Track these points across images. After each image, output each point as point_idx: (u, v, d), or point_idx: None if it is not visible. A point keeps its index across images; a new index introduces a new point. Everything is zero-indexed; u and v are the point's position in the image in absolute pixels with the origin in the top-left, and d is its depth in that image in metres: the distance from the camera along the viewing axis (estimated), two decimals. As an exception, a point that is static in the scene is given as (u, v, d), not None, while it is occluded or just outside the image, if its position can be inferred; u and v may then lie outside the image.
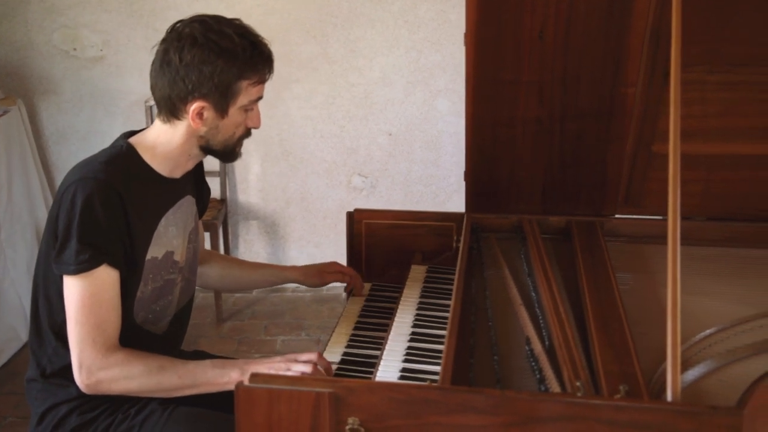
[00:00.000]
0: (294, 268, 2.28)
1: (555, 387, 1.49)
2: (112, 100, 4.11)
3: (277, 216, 4.32)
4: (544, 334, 1.68)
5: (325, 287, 2.41)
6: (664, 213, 2.15)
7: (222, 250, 4.20)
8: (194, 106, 1.75)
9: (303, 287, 4.31)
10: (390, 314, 2.01)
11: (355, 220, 2.30)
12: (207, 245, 3.91)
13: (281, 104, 4.11)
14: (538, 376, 1.56)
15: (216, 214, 3.95)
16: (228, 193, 4.24)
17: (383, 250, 2.31)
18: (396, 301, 2.07)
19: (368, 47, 4.04)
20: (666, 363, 1.36)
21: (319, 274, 2.24)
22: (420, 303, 2.02)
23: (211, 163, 4.10)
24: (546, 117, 2.06)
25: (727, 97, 1.98)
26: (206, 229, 3.87)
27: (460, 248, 2.01)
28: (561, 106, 2.03)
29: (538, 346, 1.62)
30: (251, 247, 4.35)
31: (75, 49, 4.07)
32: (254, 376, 1.41)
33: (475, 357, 1.65)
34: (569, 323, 1.66)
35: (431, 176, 4.23)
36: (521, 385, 1.57)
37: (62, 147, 4.19)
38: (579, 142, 2.10)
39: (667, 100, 1.90)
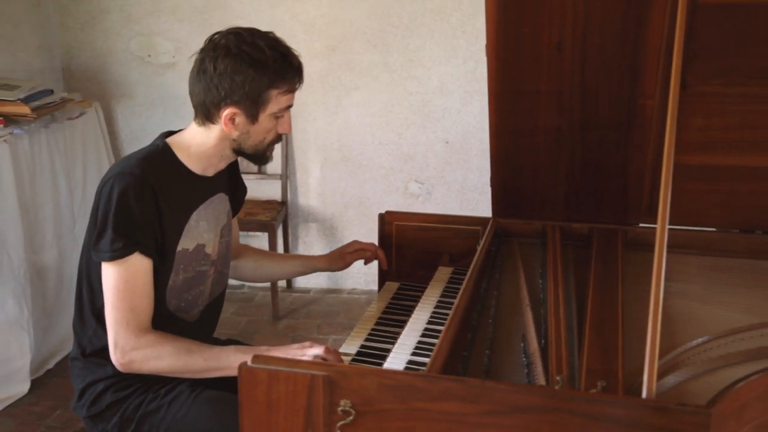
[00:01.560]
0: (320, 257, 2.41)
1: (540, 382, 1.56)
2: (182, 104, 4.31)
3: (335, 219, 4.45)
4: (542, 333, 1.75)
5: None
6: (687, 223, 2.21)
7: (281, 251, 4.36)
8: (227, 112, 1.89)
9: (359, 289, 4.47)
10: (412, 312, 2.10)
11: (386, 221, 2.41)
12: (265, 245, 4.09)
13: (341, 111, 4.25)
14: (526, 371, 1.63)
15: (275, 215, 4.11)
16: (289, 196, 4.39)
17: (412, 251, 2.41)
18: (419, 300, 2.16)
19: (427, 57, 4.14)
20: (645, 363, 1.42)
21: (341, 257, 2.36)
22: (439, 302, 2.11)
23: (274, 166, 4.31)
24: (566, 126, 2.12)
25: (745, 109, 2.00)
26: (264, 230, 4.04)
27: (478, 249, 2.09)
28: (580, 115, 2.09)
29: (533, 345, 1.70)
30: (310, 249, 4.49)
31: (149, 56, 4.31)
32: (256, 358, 1.53)
33: (470, 351, 1.73)
34: (565, 324, 1.72)
35: (486, 184, 4.22)
36: (510, 379, 1.65)
37: (135, 147, 4.33)
38: (599, 152, 2.15)
39: (686, 112, 1.96)
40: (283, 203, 4.32)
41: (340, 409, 1.47)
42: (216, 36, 1.91)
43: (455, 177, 4.30)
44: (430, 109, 4.21)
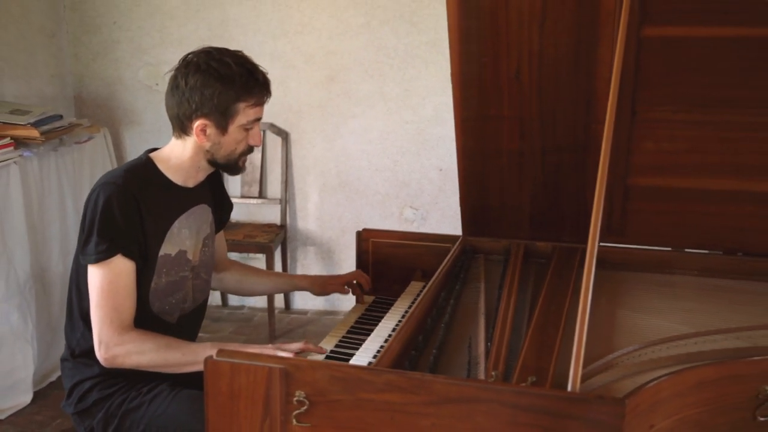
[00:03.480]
0: (304, 276, 2.56)
1: (479, 377, 1.70)
2: (187, 131, 4.50)
3: (332, 243, 4.60)
4: (489, 337, 1.88)
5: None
6: (645, 242, 2.35)
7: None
8: (198, 123, 2.05)
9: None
10: (384, 323, 2.24)
11: (363, 238, 2.56)
12: (263, 265, 4.24)
13: (339, 138, 4.42)
14: (468, 369, 1.77)
15: (273, 237, 4.27)
16: (288, 220, 4.55)
17: (387, 266, 2.55)
18: (390, 311, 2.30)
19: (422, 87, 4.30)
20: (572, 360, 1.55)
21: (323, 284, 2.50)
22: (406, 312, 2.24)
23: (273, 191, 4.48)
24: (528, 149, 2.27)
25: (692, 135, 2.15)
26: (262, 251, 4.20)
27: (443, 264, 2.24)
28: (540, 139, 2.24)
29: (480, 347, 1.83)
30: (308, 271, 4.63)
31: (157, 84, 4.51)
32: (220, 351, 1.67)
33: (420, 351, 1.87)
34: (510, 328, 1.86)
35: (478, 211, 4.43)
36: (452, 375, 1.77)
37: (142, 172, 4.60)
38: (559, 174, 2.29)
39: (636, 137, 2.11)
40: (282, 227, 4.48)
41: (295, 399, 1.61)
42: (189, 55, 2.08)
43: (449, 203, 4.43)
44: (425, 138, 4.36)
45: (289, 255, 4.59)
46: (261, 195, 4.51)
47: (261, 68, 2.09)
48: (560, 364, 1.70)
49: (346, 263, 4.60)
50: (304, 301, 4.70)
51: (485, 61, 2.13)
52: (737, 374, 1.66)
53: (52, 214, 3.77)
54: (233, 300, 4.76)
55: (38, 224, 3.67)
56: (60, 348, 3.83)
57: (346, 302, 4.65)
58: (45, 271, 3.73)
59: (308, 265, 4.65)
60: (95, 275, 2.00)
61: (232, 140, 2.09)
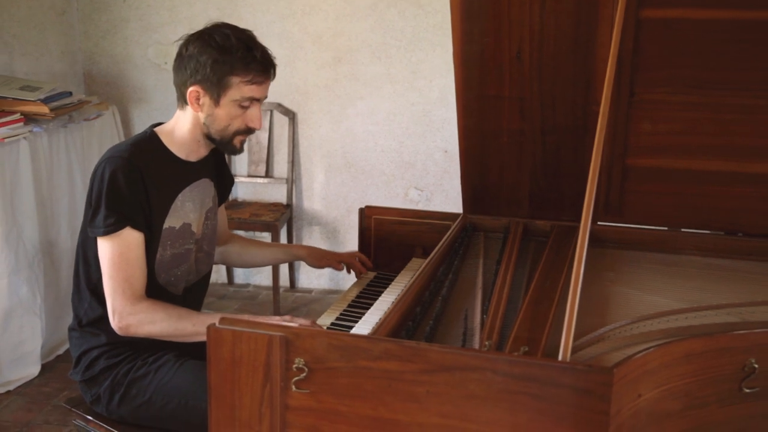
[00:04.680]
0: (301, 246, 2.62)
1: (473, 347, 1.75)
2: (195, 110, 4.55)
3: (338, 222, 4.65)
4: (485, 309, 1.93)
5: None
6: (643, 222, 2.39)
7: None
8: (191, 90, 2.09)
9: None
10: (384, 298, 2.29)
11: (366, 215, 2.60)
12: (268, 244, 4.29)
13: (346, 119, 4.46)
14: (463, 339, 1.82)
15: (279, 216, 4.32)
16: (294, 199, 4.60)
17: (390, 243, 2.60)
18: (391, 287, 2.35)
19: (428, 69, 4.34)
20: (564, 332, 1.60)
21: (320, 258, 2.55)
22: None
23: (280, 171, 4.52)
24: (528, 129, 2.31)
25: (688, 116, 2.18)
26: (268, 230, 4.25)
27: (442, 240, 2.28)
28: (540, 119, 2.28)
29: (476, 319, 1.88)
30: (313, 250, 4.68)
31: (166, 63, 4.55)
32: (223, 319, 1.72)
33: (417, 322, 1.92)
34: (506, 301, 1.91)
35: (482, 193, 4.47)
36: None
37: (150, 150, 4.66)
38: (558, 154, 2.33)
39: (634, 118, 2.15)
40: (288, 206, 4.53)
41: (294, 366, 1.66)
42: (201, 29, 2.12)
43: (453, 185, 4.47)
44: (430, 119, 4.40)
45: (294, 234, 4.65)
46: (267, 174, 4.56)
47: (267, 50, 2.11)
48: (552, 336, 1.75)
49: (351, 242, 4.65)
50: (309, 279, 4.76)
51: (487, 41, 2.17)
52: (724, 347, 1.70)
53: (61, 190, 3.83)
54: (238, 278, 4.83)
55: (47, 199, 3.73)
56: (67, 322, 3.91)
57: (350, 280, 4.68)
58: (53, 245, 3.79)
59: (313, 244, 4.69)
60: (105, 247, 2.05)
61: (225, 114, 2.11)
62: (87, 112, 4.03)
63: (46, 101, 3.67)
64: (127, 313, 2.06)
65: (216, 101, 2.10)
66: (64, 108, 3.80)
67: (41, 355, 3.69)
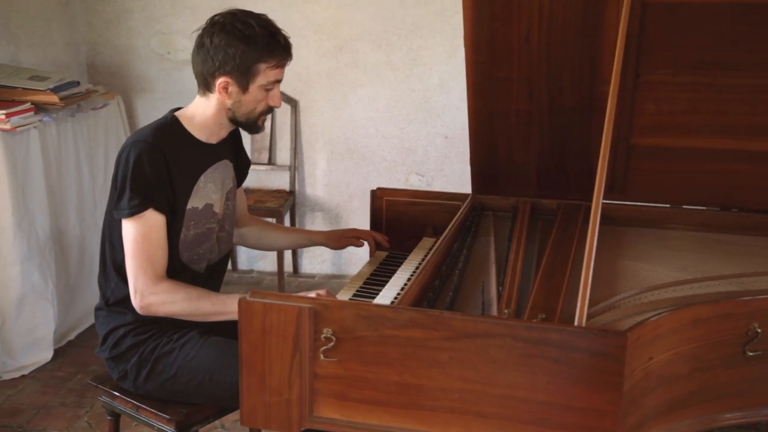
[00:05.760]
0: (320, 232, 2.69)
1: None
2: (199, 99, 4.62)
3: (340, 209, 4.72)
4: (500, 282, 2.02)
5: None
6: (646, 200, 2.48)
7: (289, 237, 4.63)
8: (220, 81, 2.17)
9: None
10: (398, 276, 2.37)
11: (378, 196, 2.69)
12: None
13: (347, 106, 4.53)
14: (482, 309, 1.91)
15: (283, 203, 4.40)
16: (297, 186, 4.68)
17: (400, 223, 2.68)
18: (404, 264, 2.43)
19: (429, 56, 4.41)
20: (579, 301, 1.69)
21: (338, 239, 2.63)
22: (419, 265, 2.37)
23: (283, 158, 4.60)
24: (536, 110, 2.39)
25: (691, 96, 2.27)
26: (272, 216, 4.33)
27: (455, 219, 2.37)
28: (548, 101, 2.36)
29: (492, 291, 1.97)
30: (316, 236, 4.76)
31: (169, 53, 4.62)
32: (253, 293, 1.80)
33: (436, 294, 2.01)
34: (520, 274, 2.00)
35: (482, 177, 4.56)
36: (467, 314, 1.91)
37: (154, 139, 4.72)
38: (565, 134, 2.42)
39: (639, 98, 2.24)
40: (291, 192, 4.60)
41: (323, 336, 1.74)
42: (216, 16, 2.20)
43: (453, 170, 4.56)
44: (431, 106, 4.48)
45: (297, 220, 4.72)
46: (270, 162, 4.63)
47: (283, 32, 2.20)
48: (567, 305, 1.84)
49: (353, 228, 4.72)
50: (312, 264, 4.84)
51: (496, 25, 2.25)
52: (729, 313, 1.80)
53: (70, 178, 3.89)
54: (242, 264, 4.90)
55: (56, 188, 3.79)
56: (77, 308, 4.00)
57: (353, 266, 4.80)
58: (63, 233, 3.86)
59: (316, 229, 4.77)
60: (129, 229, 2.13)
61: (252, 99, 2.20)
62: (94, 102, 4.10)
63: (55, 91, 3.73)
64: (148, 292, 2.13)
65: (245, 89, 2.18)
66: (73, 97, 3.86)
67: (53, 341, 3.76)
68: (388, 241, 2.67)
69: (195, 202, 2.24)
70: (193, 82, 4.59)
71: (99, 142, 4.14)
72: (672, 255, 2.24)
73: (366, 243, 2.66)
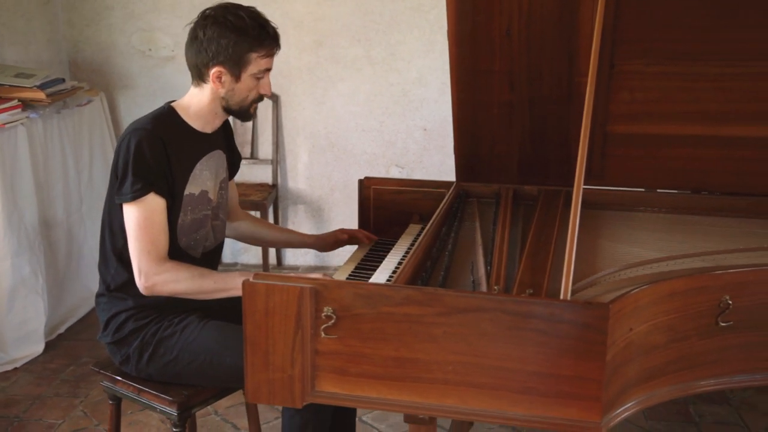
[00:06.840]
0: (311, 236, 2.81)
1: (482, 293, 1.96)
2: (181, 95, 4.66)
3: (322, 201, 4.82)
4: (488, 262, 2.13)
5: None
6: (622, 185, 2.61)
7: (272, 229, 4.72)
8: (214, 71, 2.27)
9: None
10: (387, 260, 2.48)
11: (365, 186, 2.79)
12: (257, 222, 4.45)
13: (328, 101, 4.63)
14: (472, 287, 2.02)
15: (266, 196, 4.49)
16: (279, 179, 4.77)
17: (388, 211, 2.79)
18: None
19: (407, 51, 4.52)
20: (562, 278, 1.81)
21: (327, 243, 2.74)
22: (408, 250, 2.48)
23: (265, 152, 4.69)
24: (517, 101, 2.51)
25: (663, 85, 2.40)
26: (256, 209, 4.41)
27: (441, 205, 2.48)
28: (528, 92, 2.48)
29: (481, 270, 2.09)
30: (299, 228, 4.84)
31: (150, 50, 4.68)
32: (256, 275, 1.90)
33: (429, 273, 2.12)
34: (507, 254, 2.12)
35: (461, 168, 4.67)
36: (459, 292, 2.02)
37: (137, 135, 4.78)
38: (545, 123, 2.54)
39: (614, 88, 2.36)
40: (274, 186, 4.69)
41: (323, 314, 1.84)
42: (207, 10, 2.30)
43: (433, 161, 4.67)
44: (409, 99, 4.59)
45: (280, 213, 4.82)
46: (252, 156, 4.71)
47: (271, 22, 2.31)
48: (552, 282, 1.96)
49: (336, 221, 4.83)
50: (295, 257, 4.93)
51: (479, 19, 2.36)
52: (703, 286, 1.93)
53: (56, 174, 3.95)
54: (227, 257, 4.97)
55: (44, 183, 3.86)
56: (67, 301, 4.07)
57: (336, 258, 4.88)
58: (50, 228, 3.92)
59: (299, 222, 4.87)
60: (132, 212, 2.22)
61: (244, 87, 2.31)
62: (79, 98, 4.16)
63: (42, 88, 3.80)
64: (153, 273, 2.23)
65: (237, 77, 2.28)
66: (59, 94, 3.92)
67: (44, 334, 3.83)
68: (374, 228, 2.77)
69: (192, 188, 2.34)
70: (175, 78, 4.72)
71: (83, 138, 4.21)
72: (647, 235, 2.37)
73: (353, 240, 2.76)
